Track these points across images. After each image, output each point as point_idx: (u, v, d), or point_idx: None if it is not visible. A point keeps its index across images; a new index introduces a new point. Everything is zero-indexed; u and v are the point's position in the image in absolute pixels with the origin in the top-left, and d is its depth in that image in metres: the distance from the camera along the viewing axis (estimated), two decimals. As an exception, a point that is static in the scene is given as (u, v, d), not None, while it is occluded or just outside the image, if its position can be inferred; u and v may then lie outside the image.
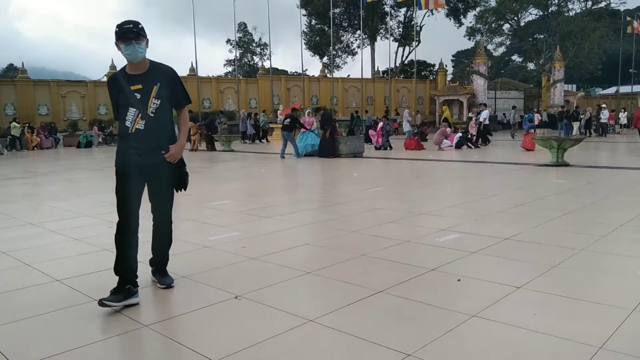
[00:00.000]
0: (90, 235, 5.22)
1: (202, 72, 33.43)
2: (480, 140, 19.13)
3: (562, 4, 44.13)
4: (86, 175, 11.96)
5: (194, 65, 31.66)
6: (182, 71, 33.49)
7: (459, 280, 3.55)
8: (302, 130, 16.23)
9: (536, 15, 45.60)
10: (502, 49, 52.53)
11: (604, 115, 25.27)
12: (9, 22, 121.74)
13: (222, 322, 2.91)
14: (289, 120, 15.90)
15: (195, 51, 31.78)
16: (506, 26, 47.24)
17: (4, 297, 3.41)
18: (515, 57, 60.10)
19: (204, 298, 3.27)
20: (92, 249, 4.67)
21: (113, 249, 4.56)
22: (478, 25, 46.48)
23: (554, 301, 3.13)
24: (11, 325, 2.91)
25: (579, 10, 44.61)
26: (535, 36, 46.32)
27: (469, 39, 48.55)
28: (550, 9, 44.00)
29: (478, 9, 45.11)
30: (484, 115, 19.41)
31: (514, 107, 31.31)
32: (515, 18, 46.04)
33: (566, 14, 43.85)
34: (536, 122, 24.11)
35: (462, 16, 45.26)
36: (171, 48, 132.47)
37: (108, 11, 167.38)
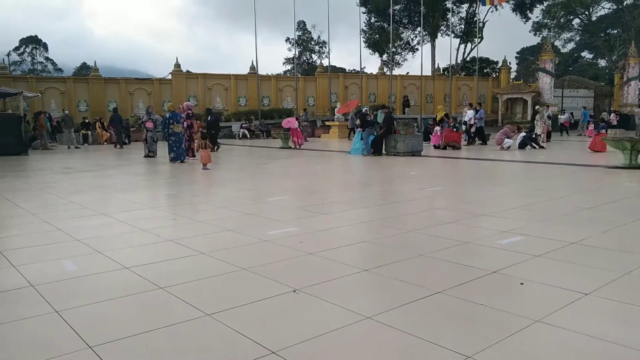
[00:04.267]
0: (155, 226, 5.45)
1: (261, 70, 34.08)
2: (474, 139, 19.71)
3: (638, -4, 41.57)
4: (151, 169, 12.50)
5: (254, 64, 32.31)
6: (243, 69, 34.29)
7: (521, 283, 3.43)
8: (360, 129, 16.23)
9: (609, 9, 43.24)
10: (571, 45, 50.28)
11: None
12: (81, 21, 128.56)
13: (281, 315, 2.97)
14: (358, 119, 16.15)
15: (255, 49, 32.52)
16: (576, 21, 45.12)
17: (79, 280, 3.64)
18: (585, 54, 57.29)
19: (263, 290, 3.34)
20: (156, 239, 4.88)
21: (177, 239, 4.79)
22: (545, 21, 44.64)
23: (625, 310, 2.97)
24: (86, 307, 3.09)
25: (656, 3, 41.87)
26: (607, 31, 43.94)
27: (535, 34, 46.77)
28: (625, 3, 41.57)
29: (546, 3, 43.33)
30: (469, 115, 19.46)
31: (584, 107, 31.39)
32: (587, 12, 43.84)
33: (643, 8, 41.26)
34: (614, 122, 23.06)
35: (528, 11, 43.54)
36: (232, 47, 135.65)
37: (170, 9, 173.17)
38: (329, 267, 3.89)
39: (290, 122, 19.91)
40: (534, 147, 17.04)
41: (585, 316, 2.88)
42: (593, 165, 11.77)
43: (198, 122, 17.49)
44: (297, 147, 19.32)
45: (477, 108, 20.28)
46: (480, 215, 5.98)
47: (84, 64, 60.02)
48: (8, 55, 57.39)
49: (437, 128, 19.44)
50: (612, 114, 25.77)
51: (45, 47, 62.75)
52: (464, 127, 19.85)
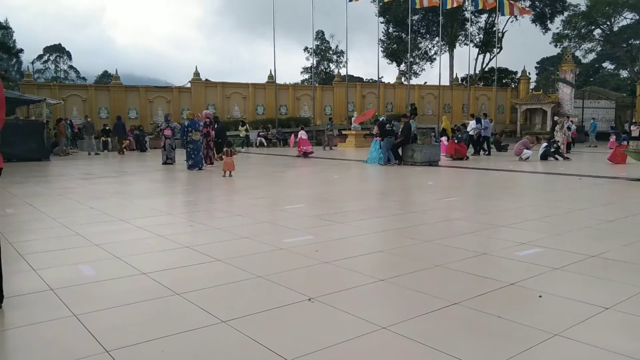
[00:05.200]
0: (172, 232, 5.50)
1: (279, 79, 34.30)
2: (477, 149, 20.05)
3: (661, 7, 40.98)
4: (169, 176, 12.63)
5: (272, 73, 32.55)
6: (261, 78, 34.58)
7: (540, 296, 3.38)
8: (377, 138, 16.21)
9: (631, 19, 42.67)
10: (591, 56, 49.61)
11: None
12: (103, 31, 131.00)
13: (297, 323, 2.97)
14: (377, 129, 16.15)
15: (274, 59, 32.86)
16: (597, 31, 44.57)
17: (97, 285, 3.68)
18: (606, 65, 56.49)
19: (279, 298, 3.34)
20: (174, 245, 4.92)
21: (194, 246, 4.82)
22: (566, 31, 44.21)
23: (648, 325, 2.90)
24: (103, 312, 3.13)
25: (680, 14, 41.22)
26: (629, 42, 43.34)
27: (556, 45, 46.32)
28: (647, 13, 41.00)
29: (566, 14, 42.90)
30: (471, 125, 19.81)
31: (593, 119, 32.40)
32: (608, 23, 43.32)
33: (666, 18, 40.68)
34: (635, 134, 22.74)
35: (548, 21, 43.21)
36: (250, 56, 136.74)
37: (190, 20, 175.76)
38: (344, 276, 3.88)
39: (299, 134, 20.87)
40: (557, 159, 16.79)
41: (605, 330, 2.83)
42: (613, 177, 11.58)
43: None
44: (301, 155, 19.50)
45: (482, 118, 20.47)
46: (498, 226, 5.92)
47: (106, 72, 61.08)
48: (32, 63, 58.69)
49: (443, 138, 19.53)
50: (633, 125, 25.37)
51: (69, 55, 63.98)
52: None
